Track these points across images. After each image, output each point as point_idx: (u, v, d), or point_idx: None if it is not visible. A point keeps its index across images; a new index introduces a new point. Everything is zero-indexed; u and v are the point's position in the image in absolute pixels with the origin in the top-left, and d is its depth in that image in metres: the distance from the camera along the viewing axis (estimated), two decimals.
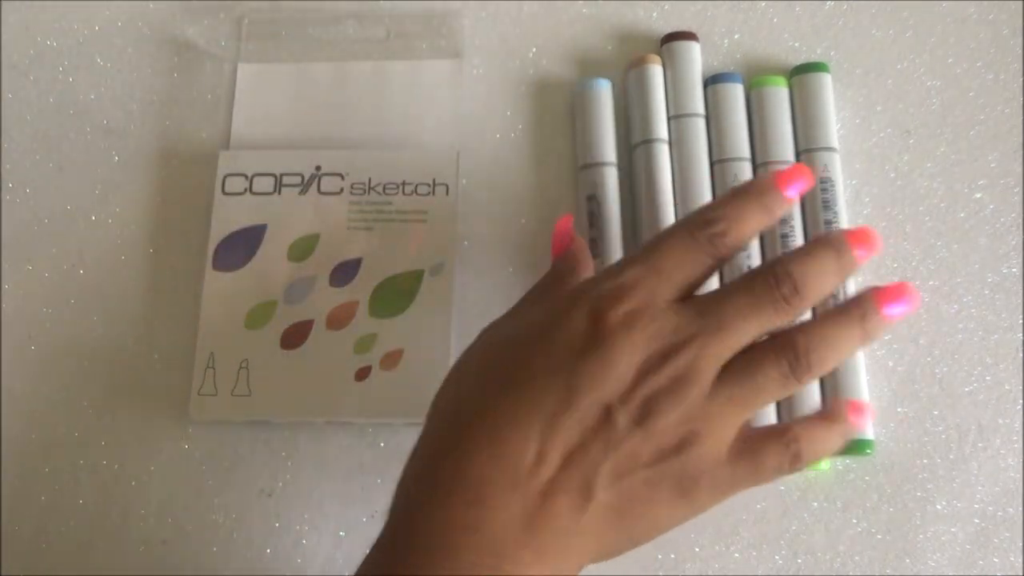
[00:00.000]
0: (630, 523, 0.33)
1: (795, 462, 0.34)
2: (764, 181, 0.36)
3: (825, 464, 0.41)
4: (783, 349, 0.34)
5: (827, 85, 0.45)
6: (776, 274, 0.34)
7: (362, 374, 0.42)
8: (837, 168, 0.44)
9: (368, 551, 0.33)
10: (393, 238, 0.44)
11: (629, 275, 0.34)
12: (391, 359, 0.42)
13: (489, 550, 0.31)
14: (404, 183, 0.44)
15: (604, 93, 0.46)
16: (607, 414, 0.32)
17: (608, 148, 0.45)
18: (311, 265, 0.43)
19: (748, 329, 0.34)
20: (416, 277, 0.43)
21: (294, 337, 0.43)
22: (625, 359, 0.32)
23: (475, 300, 0.44)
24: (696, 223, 0.35)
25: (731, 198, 0.35)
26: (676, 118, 0.45)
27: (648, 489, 0.32)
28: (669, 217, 0.44)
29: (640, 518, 0.33)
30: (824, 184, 0.44)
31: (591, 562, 0.33)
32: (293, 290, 0.43)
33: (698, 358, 0.33)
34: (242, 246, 0.44)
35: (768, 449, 0.34)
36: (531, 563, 0.31)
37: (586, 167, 0.45)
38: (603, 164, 0.45)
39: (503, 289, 0.44)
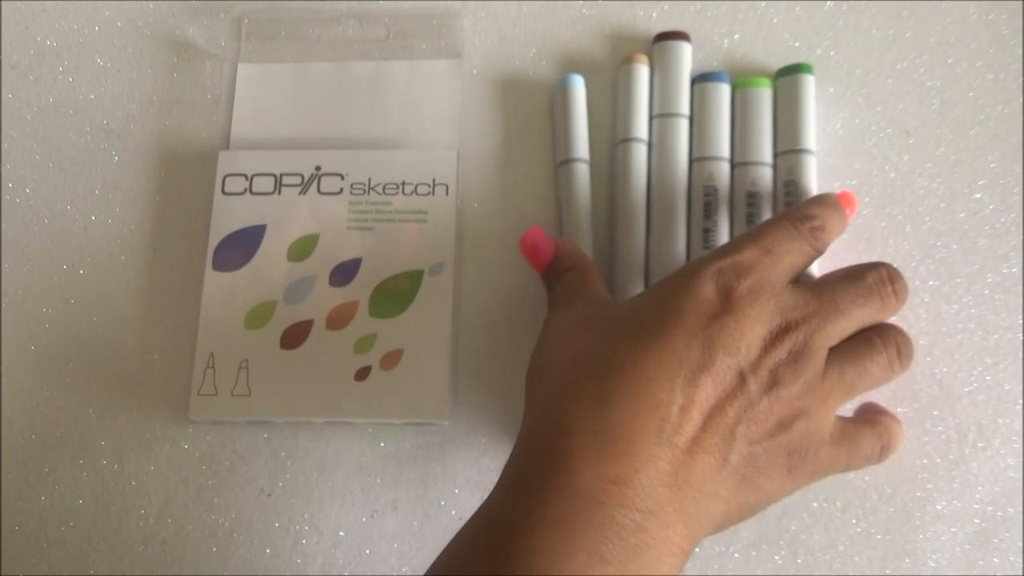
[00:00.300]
0: (749, 492, 0.34)
1: (884, 453, 0.37)
2: (834, 197, 0.40)
3: None
4: (890, 337, 0.37)
5: (809, 87, 0.45)
6: (882, 272, 0.37)
7: (362, 374, 0.42)
8: (808, 170, 0.44)
9: (478, 510, 0.33)
10: (393, 238, 0.44)
11: (746, 254, 0.36)
12: (391, 359, 0.42)
13: (636, 505, 0.31)
14: (404, 183, 0.44)
15: (577, 89, 0.46)
16: (741, 379, 0.33)
17: (578, 145, 0.45)
18: (311, 265, 0.43)
19: (859, 316, 0.36)
20: (416, 277, 0.43)
21: (294, 337, 0.43)
22: (754, 328, 0.34)
23: (475, 300, 0.44)
24: (797, 217, 0.38)
25: (819, 203, 0.39)
26: (659, 117, 0.45)
27: (767, 459, 0.34)
28: (640, 215, 0.44)
29: (757, 489, 0.34)
30: (788, 188, 0.44)
31: (710, 532, 0.34)
32: (293, 290, 0.43)
33: (814, 336, 0.35)
34: (242, 246, 0.44)
35: (864, 436, 0.37)
36: (673, 523, 0.31)
37: (560, 164, 0.45)
38: (573, 161, 0.45)
39: (503, 289, 0.44)
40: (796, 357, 0.34)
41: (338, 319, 0.43)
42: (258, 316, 0.43)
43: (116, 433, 0.43)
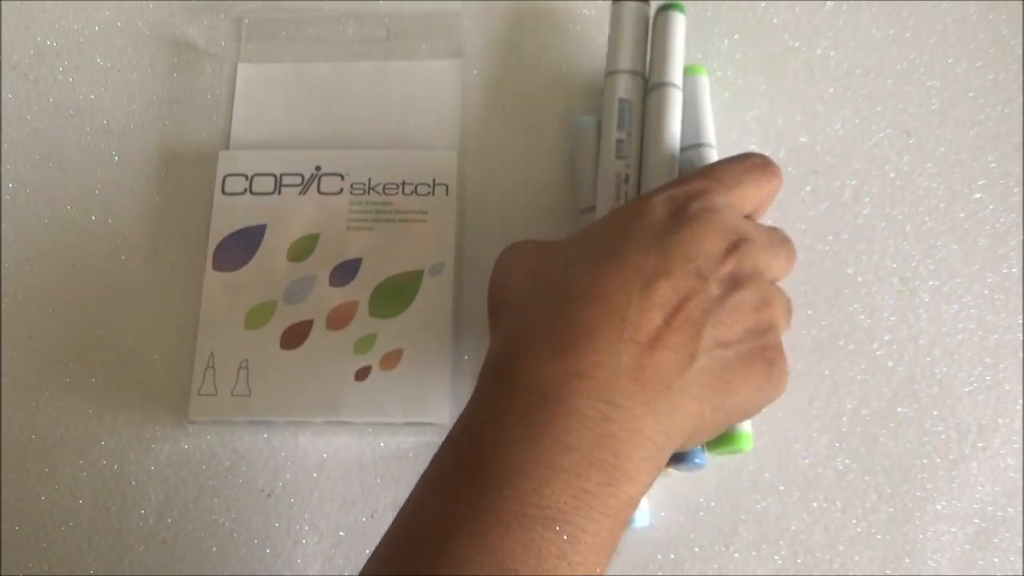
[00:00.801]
0: (725, 395, 0.34)
1: None
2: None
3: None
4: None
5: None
6: (786, 235, 0.39)
7: (362, 374, 0.42)
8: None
9: (459, 418, 0.33)
10: (393, 238, 0.44)
11: (695, 183, 0.36)
12: (391, 359, 0.42)
13: (600, 396, 0.31)
14: (404, 183, 0.44)
15: (590, 131, 0.45)
16: (701, 279, 0.33)
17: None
18: (311, 265, 0.43)
19: (787, 259, 0.38)
20: (416, 277, 0.43)
21: (294, 337, 0.43)
22: (712, 237, 0.34)
23: (475, 300, 0.44)
24: (747, 154, 0.38)
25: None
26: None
27: (742, 364, 0.34)
28: None
29: (733, 392, 0.34)
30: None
31: (692, 435, 0.34)
32: (293, 290, 0.43)
33: (765, 260, 0.36)
34: (242, 246, 0.44)
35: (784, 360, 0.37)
36: (642, 414, 0.32)
37: (583, 211, 0.44)
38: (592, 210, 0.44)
39: None
40: (753, 271, 0.35)
41: (338, 319, 0.43)
42: (258, 316, 0.43)
43: (116, 433, 0.43)
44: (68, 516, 0.42)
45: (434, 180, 0.44)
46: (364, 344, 0.42)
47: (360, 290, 0.43)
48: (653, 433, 0.32)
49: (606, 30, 0.49)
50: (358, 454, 0.43)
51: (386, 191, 0.44)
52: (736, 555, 0.41)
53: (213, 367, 0.42)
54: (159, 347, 0.44)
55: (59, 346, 0.45)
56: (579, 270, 0.34)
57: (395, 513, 0.42)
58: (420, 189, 0.44)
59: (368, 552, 0.40)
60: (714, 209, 0.35)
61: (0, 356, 0.44)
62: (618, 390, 0.31)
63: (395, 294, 0.43)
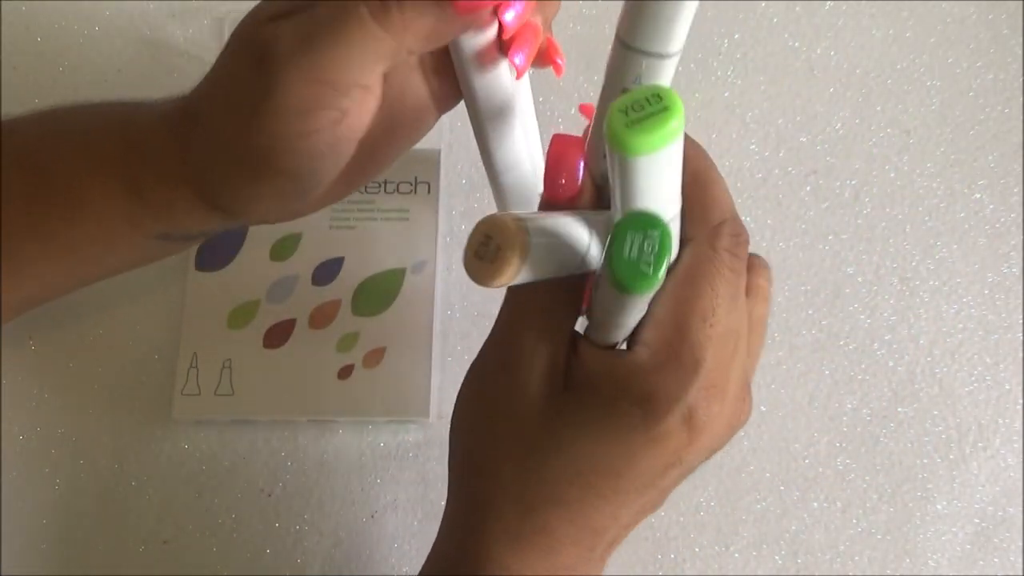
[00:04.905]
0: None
1: None
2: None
3: None
4: None
5: None
6: None
7: (345, 372, 0.42)
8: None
9: None
10: (375, 236, 0.44)
11: (710, 365, 0.28)
12: (373, 357, 0.42)
13: None
14: (386, 181, 0.44)
15: None
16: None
17: None
18: (293, 264, 0.43)
19: None
20: (398, 275, 0.43)
21: (277, 336, 0.42)
22: (723, 436, 0.31)
23: (457, 298, 0.44)
24: (719, 247, 0.29)
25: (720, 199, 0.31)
26: None
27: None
28: None
29: None
30: None
31: None
32: (276, 289, 0.43)
33: None
34: (225, 246, 0.44)
35: None
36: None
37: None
38: None
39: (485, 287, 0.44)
40: None
41: (321, 318, 0.43)
42: (241, 316, 0.43)
43: (116, 433, 0.43)
44: (68, 516, 0.42)
45: (416, 178, 0.44)
46: (347, 342, 0.42)
47: (343, 289, 0.43)
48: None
49: (600, 30, 0.49)
50: (358, 454, 0.43)
51: (368, 190, 0.44)
52: (736, 555, 0.41)
53: (196, 367, 0.42)
54: (158, 347, 0.44)
55: (59, 346, 0.45)
56: (574, 506, 0.29)
57: (395, 513, 0.42)
58: (402, 187, 0.44)
59: (368, 552, 0.40)
60: (725, 399, 0.28)
61: (0, 356, 0.44)
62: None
63: (377, 292, 0.43)
